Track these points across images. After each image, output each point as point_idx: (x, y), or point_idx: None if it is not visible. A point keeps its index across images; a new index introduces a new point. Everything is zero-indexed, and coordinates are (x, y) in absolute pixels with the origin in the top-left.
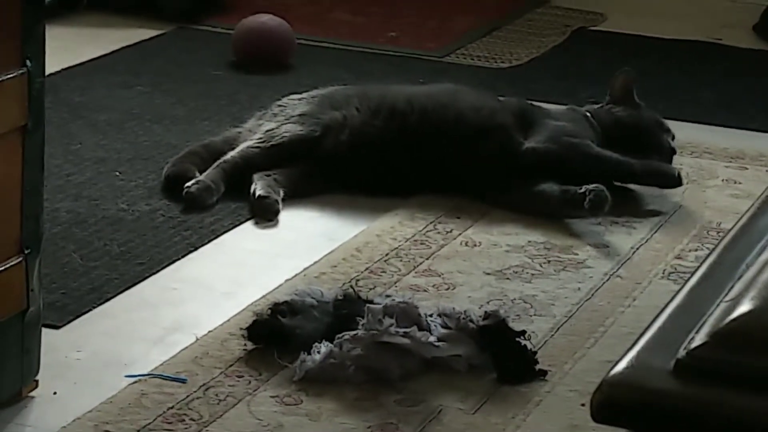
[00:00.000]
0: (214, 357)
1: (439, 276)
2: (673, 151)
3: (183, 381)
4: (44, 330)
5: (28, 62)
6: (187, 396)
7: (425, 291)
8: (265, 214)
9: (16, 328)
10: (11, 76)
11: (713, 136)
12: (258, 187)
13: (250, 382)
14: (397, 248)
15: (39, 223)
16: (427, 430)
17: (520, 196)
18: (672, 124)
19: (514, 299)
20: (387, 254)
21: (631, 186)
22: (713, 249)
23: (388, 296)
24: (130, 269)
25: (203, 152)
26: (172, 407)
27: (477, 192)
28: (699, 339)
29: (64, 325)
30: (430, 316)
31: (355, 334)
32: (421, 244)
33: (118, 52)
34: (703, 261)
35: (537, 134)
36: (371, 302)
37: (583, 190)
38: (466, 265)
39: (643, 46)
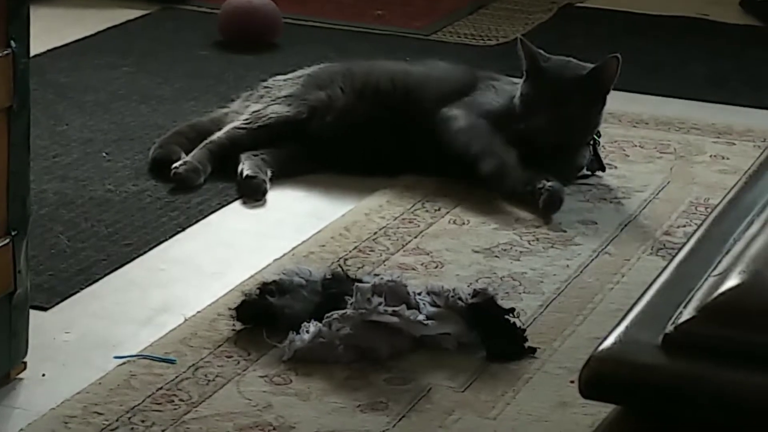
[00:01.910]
0: (203, 337)
1: (428, 254)
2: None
3: (172, 362)
4: (32, 312)
5: (12, 43)
6: (176, 377)
7: (414, 269)
8: (252, 194)
9: (4, 310)
10: None
11: (701, 112)
12: (245, 167)
13: (239, 363)
14: (385, 227)
15: (26, 204)
16: (417, 409)
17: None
18: (660, 100)
19: (503, 277)
20: (375, 233)
21: (617, 163)
22: (701, 224)
23: (376, 275)
24: (117, 250)
25: (190, 132)
26: (161, 388)
27: (459, 171)
28: (687, 314)
29: (52, 306)
30: (419, 294)
31: (343, 313)
32: (410, 222)
33: (103, 33)
34: (691, 236)
35: (457, 105)
36: (360, 281)
37: (541, 185)
38: (454, 243)
39: (629, 22)
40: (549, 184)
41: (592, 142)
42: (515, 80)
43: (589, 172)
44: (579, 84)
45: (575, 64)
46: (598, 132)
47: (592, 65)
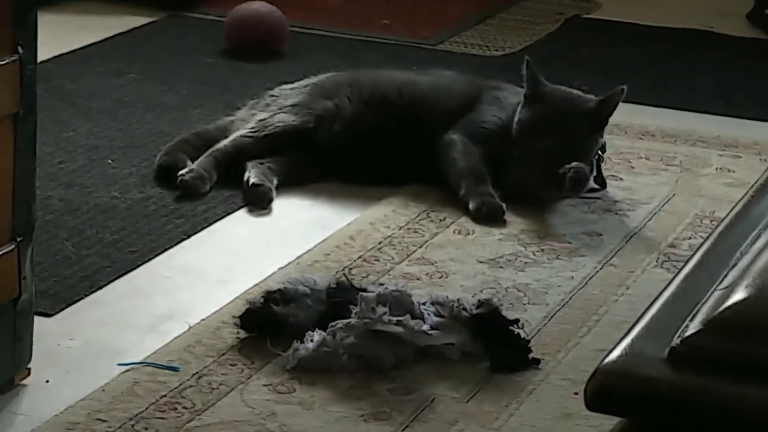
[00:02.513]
0: (207, 345)
1: (433, 264)
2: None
3: (176, 369)
4: (36, 318)
5: (19, 49)
6: (180, 384)
7: (418, 279)
8: (258, 202)
9: (9, 316)
10: (3, 63)
11: (707, 125)
12: (252, 175)
13: (242, 371)
14: (390, 236)
15: (31, 211)
16: (420, 419)
17: (505, 183)
18: (665, 113)
19: (508, 287)
20: (380, 242)
21: (623, 175)
22: (707, 237)
23: (381, 284)
24: (122, 257)
25: (196, 140)
26: (164, 395)
27: None
28: (693, 327)
29: (57, 313)
30: (423, 304)
31: (348, 323)
32: (415, 232)
33: (110, 40)
34: (697, 249)
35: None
36: (364, 290)
37: (563, 170)
38: (459, 253)
39: (636, 34)
40: (574, 165)
41: (596, 158)
42: (519, 90)
43: (597, 186)
44: (587, 116)
45: (578, 95)
46: (603, 147)
47: (596, 98)
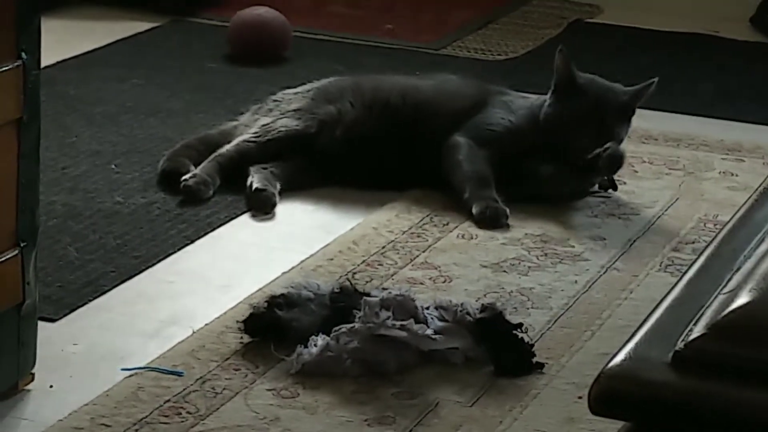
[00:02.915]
0: (211, 350)
1: (436, 269)
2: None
3: (179, 374)
4: (40, 323)
5: (23, 55)
6: (184, 389)
7: (422, 284)
8: (261, 207)
9: (12, 322)
10: (7, 68)
11: (710, 129)
12: (255, 180)
13: (246, 375)
14: (393, 241)
15: (35, 216)
16: (424, 423)
17: (531, 184)
18: (669, 117)
19: (511, 292)
20: (383, 247)
21: (626, 179)
22: (711, 241)
23: (384, 289)
24: (126, 262)
25: (199, 145)
26: (168, 400)
27: None
28: (697, 331)
29: (61, 318)
30: (427, 308)
31: (351, 327)
32: (418, 236)
33: (113, 45)
34: (701, 253)
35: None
36: (368, 295)
37: (597, 152)
38: (462, 257)
39: (639, 38)
40: (609, 145)
41: None
42: (525, 95)
43: (602, 190)
44: (623, 109)
45: (612, 86)
46: None
47: (630, 89)
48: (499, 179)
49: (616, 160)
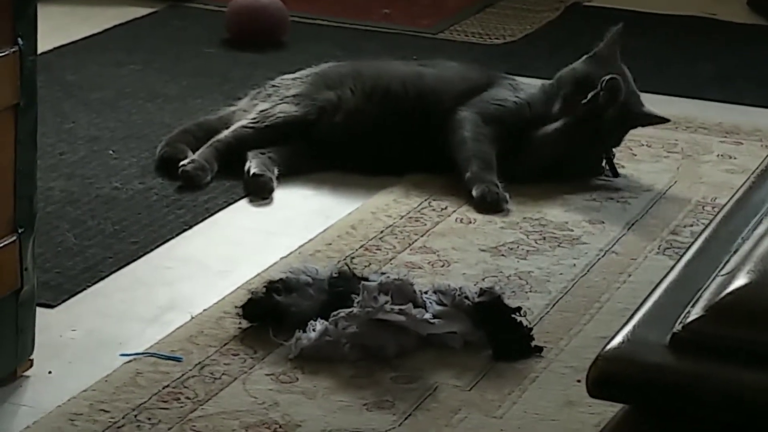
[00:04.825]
0: (209, 335)
1: (434, 253)
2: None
3: (178, 359)
4: (39, 309)
5: (19, 40)
6: (183, 374)
7: (420, 268)
8: (259, 192)
9: (11, 308)
10: (3, 54)
11: (708, 111)
12: (253, 165)
13: (245, 361)
14: (391, 225)
15: (32, 202)
16: (423, 407)
17: (528, 157)
18: (667, 100)
19: (510, 276)
20: (382, 231)
21: (624, 162)
22: (709, 223)
23: (383, 273)
24: (124, 248)
25: (197, 131)
26: (167, 386)
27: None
28: (695, 313)
29: (59, 304)
30: (426, 293)
31: (350, 312)
32: (416, 221)
33: (110, 31)
34: (699, 235)
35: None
36: (366, 279)
37: (596, 91)
38: (461, 242)
39: (637, 21)
40: (608, 77)
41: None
42: (526, 81)
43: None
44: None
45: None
46: (619, 140)
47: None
48: (505, 156)
49: (616, 84)
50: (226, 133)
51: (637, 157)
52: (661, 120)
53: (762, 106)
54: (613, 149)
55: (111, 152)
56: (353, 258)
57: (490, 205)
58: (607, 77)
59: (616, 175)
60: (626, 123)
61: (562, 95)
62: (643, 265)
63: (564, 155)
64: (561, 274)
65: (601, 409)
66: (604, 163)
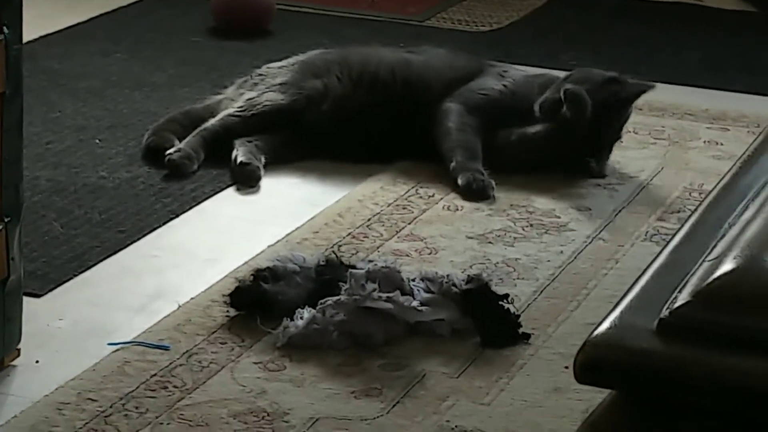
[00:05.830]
0: (197, 324)
1: (422, 240)
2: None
3: (166, 348)
4: (26, 299)
5: (4, 29)
6: (170, 363)
7: (408, 256)
8: (246, 181)
9: None
10: None
11: (695, 98)
12: (239, 154)
13: (233, 349)
14: (379, 213)
15: (19, 191)
16: (411, 394)
17: (513, 158)
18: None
19: (497, 263)
20: (369, 219)
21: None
22: (695, 209)
23: (370, 261)
24: (111, 237)
25: (183, 119)
26: (155, 374)
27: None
28: (682, 298)
29: (46, 293)
30: (413, 280)
31: (337, 300)
32: (403, 208)
33: (96, 19)
34: (686, 221)
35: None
36: (354, 267)
37: (559, 95)
38: (448, 229)
39: (624, 8)
40: (568, 86)
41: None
42: (519, 68)
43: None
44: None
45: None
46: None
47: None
48: (490, 146)
49: (575, 96)
50: (212, 121)
51: (624, 143)
52: (648, 86)
53: (749, 92)
54: (613, 145)
55: (97, 141)
56: (340, 246)
57: (476, 193)
58: (568, 87)
59: (602, 175)
60: (620, 108)
61: (544, 98)
62: (631, 251)
63: (547, 158)
64: (548, 261)
65: (588, 396)
66: (593, 163)
